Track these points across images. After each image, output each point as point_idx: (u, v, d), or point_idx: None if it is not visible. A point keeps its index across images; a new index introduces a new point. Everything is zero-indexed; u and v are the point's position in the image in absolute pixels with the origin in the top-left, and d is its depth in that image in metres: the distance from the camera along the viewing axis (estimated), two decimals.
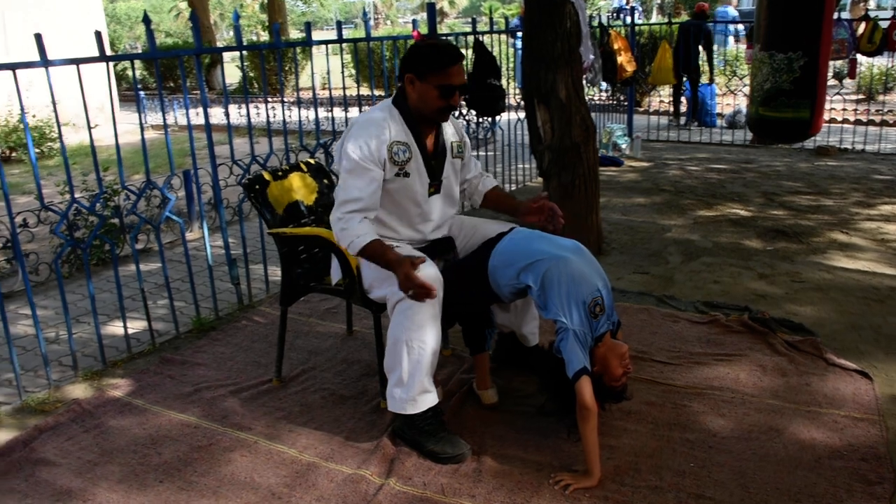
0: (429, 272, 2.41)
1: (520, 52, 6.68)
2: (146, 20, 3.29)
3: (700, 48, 9.91)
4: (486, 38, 5.87)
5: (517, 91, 9.18)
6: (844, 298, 3.88)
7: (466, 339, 2.82)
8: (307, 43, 4.10)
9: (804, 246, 4.83)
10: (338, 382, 3.06)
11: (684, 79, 9.91)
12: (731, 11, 12.14)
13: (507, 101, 5.68)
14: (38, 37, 2.93)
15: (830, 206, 5.92)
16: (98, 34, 3.12)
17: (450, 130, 2.74)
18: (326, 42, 4.30)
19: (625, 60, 7.47)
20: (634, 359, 3.14)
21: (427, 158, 2.61)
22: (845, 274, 4.27)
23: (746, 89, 8.06)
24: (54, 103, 3.04)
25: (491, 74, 5.44)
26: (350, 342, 3.44)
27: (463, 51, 6.19)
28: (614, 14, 9.81)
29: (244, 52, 3.87)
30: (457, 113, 2.60)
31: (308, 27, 4.20)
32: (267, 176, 3.02)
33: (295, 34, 16.67)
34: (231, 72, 17.54)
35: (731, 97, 10.76)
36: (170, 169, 3.68)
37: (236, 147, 4.07)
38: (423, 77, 2.49)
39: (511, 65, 9.53)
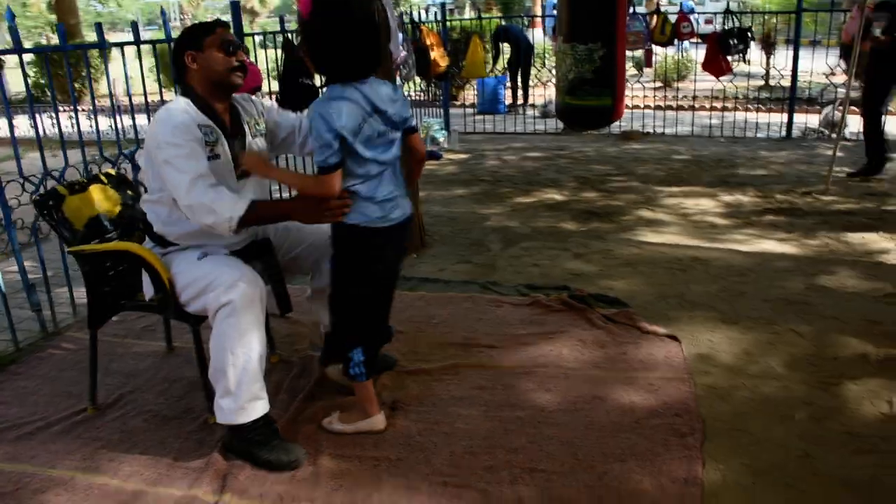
0: (248, 276, 2.35)
1: None
2: None
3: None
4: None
5: None
6: (652, 271, 4.17)
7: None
8: (100, 45, 3.83)
9: (615, 225, 5.15)
10: (160, 403, 2.89)
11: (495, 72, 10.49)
12: None
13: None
14: None
15: (637, 186, 6.34)
16: None
17: (248, 111, 2.66)
18: (122, 44, 4.04)
19: (438, 56, 7.61)
20: (462, 346, 3.21)
21: (230, 140, 2.52)
22: (652, 248, 4.59)
23: (555, 80, 8.47)
24: None
25: (302, 74, 5.35)
26: (171, 359, 3.26)
27: (272, 52, 6.04)
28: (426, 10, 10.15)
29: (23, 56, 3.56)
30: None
31: (99, 28, 3.89)
32: (62, 190, 2.79)
33: (91, 37, 15.53)
34: (14, 79, 16.08)
35: (542, 88, 11.27)
36: None
37: (28, 162, 3.74)
38: (200, 46, 2.45)
39: None
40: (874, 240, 4.70)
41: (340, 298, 2.47)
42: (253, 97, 2.77)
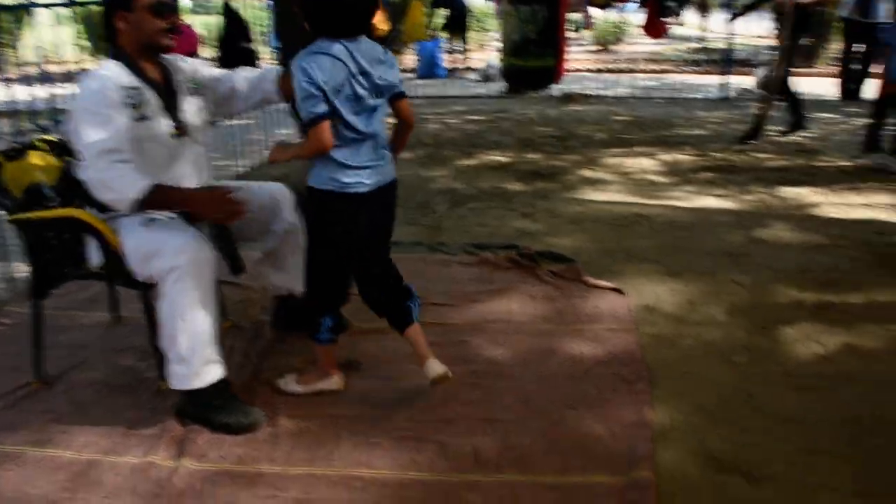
0: (195, 239, 2.32)
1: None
2: None
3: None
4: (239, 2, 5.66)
5: (273, 54, 8.96)
6: (596, 227, 4.26)
7: (390, 319, 2.52)
8: (28, 5, 3.68)
9: (559, 184, 5.22)
10: (110, 373, 2.84)
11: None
12: None
13: (260, 64, 5.54)
14: None
15: (578, 146, 6.43)
16: None
17: (181, 70, 2.62)
18: (52, 5, 3.90)
19: (378, 20, 7.52)
20: None
21: (163, 98, 2.49)
22: (595, 206, 4.68)
23: (495, 43, 8.50)
24: None
25: (242, 38, 5.27)
26: (118, 330, 3.20)
27: (210, 18, 5.92)
28: None
29: None
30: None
31: None
32: None
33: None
34: None
35: (482, 52, 11.28)
36: None
37: None
38: (130, 7, 2.40)
39: (264, 28, 9.26)
40: (805, 194, 4.89)
41: (312, 263, 2.44)
42: (186, 58, 2.74)
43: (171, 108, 2.52)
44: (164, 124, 2.49)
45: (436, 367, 2.39)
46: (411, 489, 2.09)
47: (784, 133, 6.66)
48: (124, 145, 2.33)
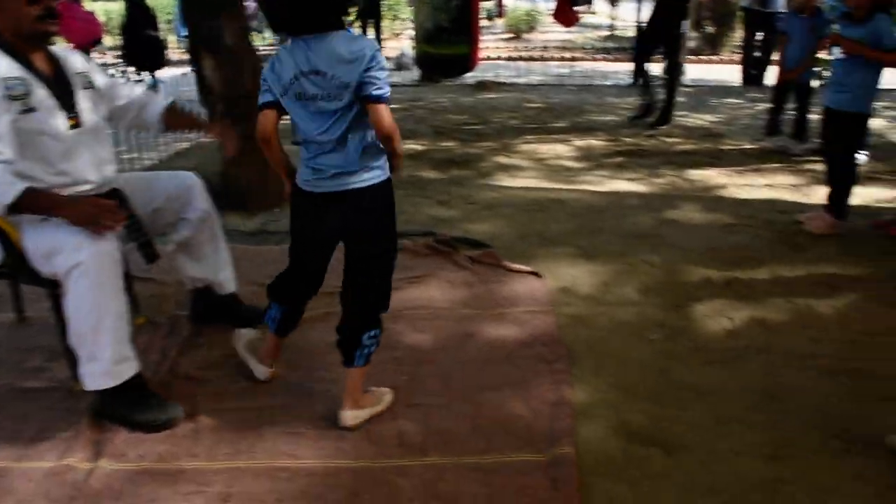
0: (92, 237, 2.22)
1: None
2: None
3: None
4: None
5: (180, 44, 8.69)
6: (512, 213, 4.32)
7: (338, 345, 2.36)
8: None
9: (474, 171, 5.27)
10: (17, 376, 2.71)
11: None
12: None
13: (167, 54, 5.39)
14: None
15: (493, 133, 6.49)
16: None
17: (73, 63, 2.52)
18: None
19: None
20: (334, 294, 3.19)
21: (53, 90, 2.38)
22: (510, 191, 4.75)
23: (408, 31, 8.50)
24: None
25: (147, 26, 5.10)
26: (23, 330, 3.06)
27: (113, 5, 5.72)
28: None
29: None
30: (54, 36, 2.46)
31: None
32: None
33: None
34: None
35: (395, 40, 11.23)
36: None
37: None
38: None
39: (170, 16, 8.99)
40: (712, 176, 5.08)
41: None
42: (84, 55, 2.67)
43: (64, 100, 2.40)
44: (58, 117, 2.38)
45: (345, 419, 2.29)
46: (338, 477, 2.09)
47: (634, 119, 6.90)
48: (4, 145, 2.20)
